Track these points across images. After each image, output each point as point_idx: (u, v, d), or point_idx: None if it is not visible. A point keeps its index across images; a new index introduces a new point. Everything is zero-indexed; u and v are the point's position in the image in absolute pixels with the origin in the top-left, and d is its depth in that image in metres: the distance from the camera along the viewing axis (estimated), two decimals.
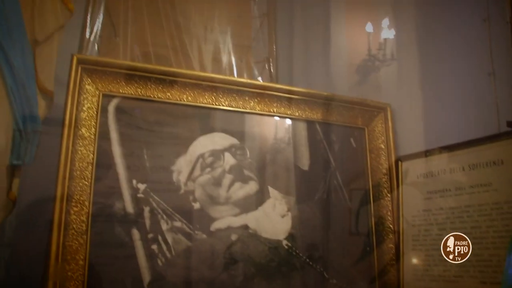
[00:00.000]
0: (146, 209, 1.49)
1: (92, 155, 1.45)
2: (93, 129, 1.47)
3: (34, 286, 1.45)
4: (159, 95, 1.59)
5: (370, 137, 1.88)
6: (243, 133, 1.71)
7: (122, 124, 1.53)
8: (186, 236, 1.52)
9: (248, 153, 1.69)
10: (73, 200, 1.40)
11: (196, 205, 1.57)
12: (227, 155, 1.64)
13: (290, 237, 1.66)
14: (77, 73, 1.47)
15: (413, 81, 1.85)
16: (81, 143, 1.44)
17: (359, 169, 1.85)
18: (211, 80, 1.67)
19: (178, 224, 1.52)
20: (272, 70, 2.22)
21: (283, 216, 1.68)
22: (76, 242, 1.38)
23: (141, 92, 1.57)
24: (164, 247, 1.48)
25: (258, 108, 1.73)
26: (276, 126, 1.77)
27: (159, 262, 1.47)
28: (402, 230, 1.74)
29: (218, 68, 2.08)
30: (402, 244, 1.72)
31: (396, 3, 2.00)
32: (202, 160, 1.61)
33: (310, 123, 1.81)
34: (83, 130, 1.45)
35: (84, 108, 1.47)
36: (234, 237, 1.59)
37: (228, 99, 1.69)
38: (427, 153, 1.71)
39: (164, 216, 1.50)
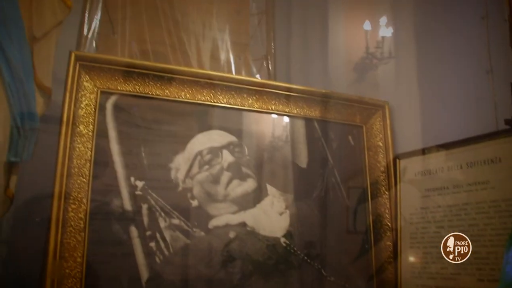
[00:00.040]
0: (144, 207, 1.49)
1: (90, 152, 1.45)
2: (91, 126, 1.47)
3: (32, 284, 1.45)
4: (157, 92, 1.59)
5: (368, 135, 1.88)
6: (241, 130, 1.71)
7: (120, 122, 1.53)
8: (184, 233, 1.52)
9: (246, 150, 1.69)
10: (71, 198, 1.39)
11: (194, 203, 1.57)
12: (225, 152, 1.64)
13: (288, 234, 1.66)
14: (75, 70, 1.46)
15: (411, 79, 1.85)
16: (79, 140, 1.44)
17: (357, 167, 1.85)
18: (210, 77, 1.67)
19: (176, 221, 1.52)
20: (270, 68, 2.22)
21: (281, 214, 1.68)
22: (74, 240, 1.38)
23: (139, 89, 1.57)
24: (162, 245, 1.48)
25: (256, 105, 1.73)
26: (274, 124, 1.77)
27: (157, 259, 1.47)
28: (400, 228, 1.74)
29: (216, 65, 2.08)
30: (400, 242, 1.72)
31: (394, 1, 2.00)
32: (200, 157, 1.61)
33: (308, 120, 1.81)
34: (81, 127, 1.45)
35: (82, 105, 1.46)
36: (232, 234, 1.59)
37: (226, 96, 1.69)
38: (425, 151, 1.72)
39: (162, 214, 1.50)
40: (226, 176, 1.62)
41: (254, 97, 1.73)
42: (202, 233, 1.55)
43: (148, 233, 1.47)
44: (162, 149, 1.58)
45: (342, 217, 1.79)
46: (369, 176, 1.84)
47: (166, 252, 1.48)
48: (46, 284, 1.31)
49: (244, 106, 1.71)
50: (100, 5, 1.93)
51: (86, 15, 1.90)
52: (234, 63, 2.12)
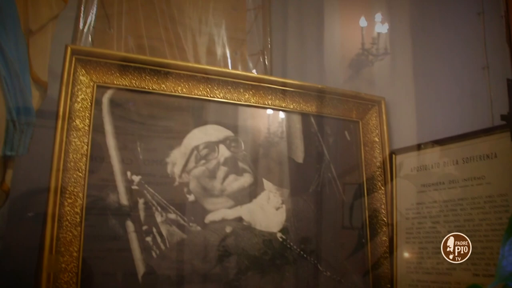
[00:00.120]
0: (141, 201, 1.49)
1: (86, 146, 1.45)
2: (87, 120, 1.46)
3: (28, 278, 1.44)
4: (153, 86, 1.58)
5: (364, 130, 1.89)
6: (237, 125, 1.70)
7: (116, 117, 1.52)
8: (180, 228, 1.52)
9: (242, 145, 1.69)
10: (67, 192, 1.39)
11: (191, 197, 1.56)
12: (222, 147, 1.64)
13: (284, 229, 1.67)
14: (71, 63, 1.45)
15: (407, 75, 1.86)
16: (75, 135, 1.43)
17: (354, 162, 1.86)
18: (206, 72, 1.66)
19: (172, 216, 1.51)
20: (266, 63, 2.21)
21: (277, 209, 1.68)
22: (70, 234, 1.37)
23: (135, 84, 1.56)
24: (159, 239, 1.48)
25: (253, 100, 1.73)
26: (270, 119, 1.77)
27: (153, 254, 1.47)
28: (396, 223, 1.74)
29: (213, 61, 2.08)
30: (396, 237, 1.73)
31: None
32: (196, 152, 1.60)
33: (304, 115, 1.81)
34: (77, 121, 1.44)
35: (78, 99, 1.46)
36: (228, 229, 1.59)
37: (223, 91, 1.68)
38: (421, 147, 1.72)
39: (159, 208, 1.50)
40: (222, 170, 1.62)
41: (251, 92, 1.73)
42: (199, 228, 1.55)
43: (145, 227, 1.47)
44: (159, 144, 1.57)
45: (338, 212, 1.79)
46: (365, 171, 1.85)
47: (162, 247, 1.48)
48: (42, 279, 1.30)
49: (241, 101, 1.71)
50: None
51: (82, 9, 1.90)
52: (231, 58, 2.12)
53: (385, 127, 1.88)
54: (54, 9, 1.45)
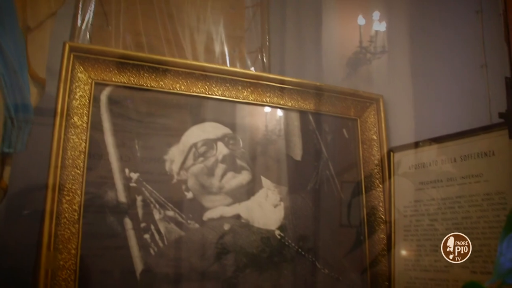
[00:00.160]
0: (139, 199, 1.49)
1: (84, 143, 1.44)
2: (85, 117, 1.46)
3: (25, 276, 1.44)
4: (152, 84, 1.58)
5: (362, 128, 1.89)
6: (236, 123, 1.70)
7: (114, 114, 1.52)
8: (178, 225, 1.52)
9: (241, 142, 1.69)
10: (65, 189, 1.39)
11: (189, 195, 1.56)
12: (220, 144, 1.64)
13: (283, 227, 1.67)
14: (69, 61, 1.45)
15: (406, 73, 1.86)
16: (73, 132, 1.43)
17: (352, 160, 1.86)
18: (204, 69, 1.66)
19: (170, 213, 1.51)
20: (265, 61, 2.21)
21: (275, 206, 1.68)
22: (68, 231, 1.37)
23: (134, 81, 1.56)
24: (157, 237, 1.48)
25: (251, 97, 1.73)
26: (268, 116, 1.77)
27: (151, 251, 1.47)
28: (394, 221, 1.75)
29: (211, 58, 2.08)
30: (394, 235, 1.73)
31: None
32: (195, 149, 1.60)
33: (303, 113, 1.81)
34: (75, 118, 1.44)
35: (76, 96, 1.46)
36: (226, 226, 1.59)
37: (221, 89, 1.68)
38: (419, 144, 1.72)
39: (157, 206, 1.50)
40: (220, 168, 1.62)
41: (249, 89, 1.73)
42: (197, 225, 1.55)
43: (143, 225, 1.47)
44: (157, 141, 1.57)
45: (336, 210, 1.79)
46: (363, 169, 1.85)
47: (160, 244, 1.48)
48: (40, 276, 1.30)
49: (239, 99, 1.71)
50: None
51: (80, 6, 1.89)
52: (229, 56, 2.12)
53: (383, 125, 1.88)
54: (52, 6, 1.44)
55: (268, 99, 1.76)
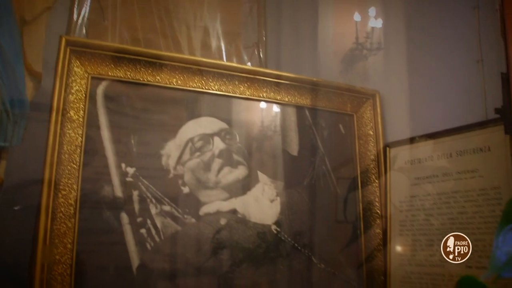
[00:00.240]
0: (135, 193, 1.48)
1: (80, 138, 1.44)
2: (81, 112, 1.45)
3: (21, 271, 1.43)
4: (148, 78, 1.57)
5: (359, 124, 1.89)
6: (232, 117, 1.70)
7: (110, 109, 1.51)
8: (175, 220, 1.52)
9: (237, 137, 1.69)
10: (61, 184, 1.38)
11: (185, 189, 1.56)
12: (217, 139, 1.64)
13: (279, 222, 1.67)
14: (66, 55, 1.44)
15: (402, 68, 1.86)
16: (69, 126, 1.42)
17: (348, 155, 1.86)
18: (201, 64, 1.66)
19: (167, 208, 1.51)
20: (261, 56, 2.21)
21: (272, 201, 1.68)
22: (64, 226, 1.37)
23: (130, 75, 1.55)
24: (153, 231, 1.48)
25: (248, 92, 1.73)
26: (265, 111, 1.77)
27: (148, 246, 1.46)
28: (390, 216, 1.75)
29: (207, 53, 2.07)
30: (390, 229, 1.74)
31: None
32: (191, 144, 1.60)
33: (299, 108, 1.81)
34: (72, 112, 1.43)
35: (72, 91, 1.45)
36: (223, 221, 1.59)
37: (218, 83, 1.68)
38: (415, 140, 1.73)
39: (153, 200, 1.50)
40: (217, 163, 1.62)
41: (246, 84, 1.72)
42: (193, 220, 1.55)
43: (139, 219, 1.47)
44: (153, 135, 1.57)
45: (332, 205, 1.80)
46: (359, 164, 1.85)
47: (157, 239, 1.48)
48: (36, 270, 1.30)
49: (236, 93, 1.71)
50: None
51: (76, 0, 1.88)
52: (225, 51, 2.11)
53: (379, 120, 1.89)
54: (49, 0, 1.44)
55: (264, 94, 1.75)
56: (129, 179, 1.49)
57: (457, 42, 1.67)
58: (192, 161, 1.59)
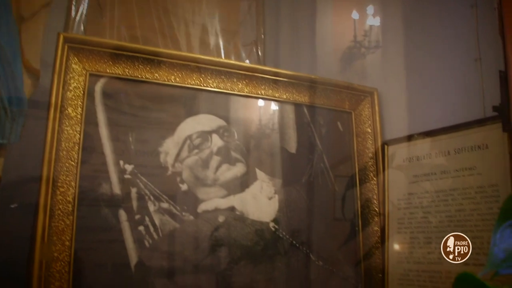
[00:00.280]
0: (133, 190, 1.48)
1: (78, 135, 1.44)
2: (79, 109, 1.45)
3: (19, 268, 1.43)
4: (146, 75, 1.57)
5: (357, 121, 1.89)
6: (230, 115, 1.70)
7: (109, 107, 1.51)
8: (173, 217, 1.52)
9: (235, 135, 1.69)
10: (59, 181, 1.38)
11: (184, 187, 1.56)
12: (215, 136, 1.64)
13: (277, 219, 1.67)
14: (64, 52, 1.44)
15: (400, 66, 1.86)
16: (67, 123, 1.42)
17: (346, 153, 1.86)
18: (199, 61, 1.66)
19: (165, 205, 1.51)
20: (260, 54, 2.21)
21: (270, 198, 1.69)
22: (62, 223, 1.37)
23: (128, 72, 1.55)
24: (151, 229, 1.48)
25: (246, 90, 1.73)
26: (263, 109, 1.77)
27: (146, 243, 1.46)
28: (388, 213, 1.76)
29: (206, 51, 2.07)
30: (388, 227, 1.74)
31: None
32: (189, 141, 1.60)
33: (297, 106, 1.81)
34: (70, 109, 1.43)
35: (70, 88, 1.44)
36: (221, 218, 1.59)
37: (216, 81, 1.68)
38: (413, 138, 1.73)
39: (152, 197, 1.50)
40: (215, 160, 1.62)
41: (244, 82, 1.72)
42: (191, 217, 1.55)
43: (137, 217, 1.47)
44: (151, 133, 1.57)
45: (330, 202, 1.80)
46: (357, 162, 1.85)
47: (155, 236, 1.48)
48: (34, 268, 1.30)
49: (234, 91, 1.71)
50: None
51: None
52: (224, 49, 2.11)
53: (377, 118, 1.89)
54: None
55: (263, 92, 1.75)
56: (127, 176, 1.49)
57: (455, 41, 1.68)
58: (190, 159, 1.59)
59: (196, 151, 1.60)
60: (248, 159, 1.69)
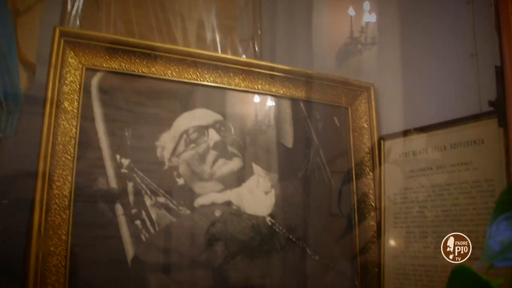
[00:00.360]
0: (130, 185, 1.48)
1: (74, 129, 1.43)
2: (76, 103, 1.45)
3: (15, 263, 1.43)
4: (143, 70, 1.57)
5: (353, 116, 1.89)
6: (227, 109, 1.70)
7: (105, 102, 1.51)
8: (170, 212, 1.52)
9: (232, 129, 1.68)
10: (55, 175, 1.38)
11: (180, 181, 1.56)
12: (212, 131, 1.64)
13: (273, 213, 1.67)
14: (60, 46, 1.43)
15: (396, 62, 1.86)
16: (63, 117, 1.41)
17: (342, 148, 1.87)
18: (196, 55, 1.65)
19: (162, 199, 1.51)
20: (256, 49, 2.21)
21: (266, 193, 1.69)
22: (59, 217, 1.36)
23: (125, 67, 1.54)
24: (148, 223, 1.48)
25: (243, 85, 1.72)
26: (260, 104, 1.77)
27: (142, 237, 1.46)
28: (384, 208, 1.76)
29: (203, 46, 2.07)
30: (384, 222, 1.75)
31: None
32: (186, 136, 1.60)
33: (294, 101, 1.81)
34: (66, 104, 1.43)
35: (66, 82, 1.44)
36: (217, 213, 1.59)
37: (213, 75, 1.68)
38: (409, 133, 1.73)
39: (148, 192, 1.50)
40: (212, 154, 1.62)
41: (241, 77, 1.72)
42: (188, 212, 1.55)
43: (134, 211, 1.47)
44: (148, 127, 1.56)
45: (327, 197, 1.80)
46: (354, 157, 1.86)
47: (152, 231, 1.48)
48: (30, 261, 1.29)
49: (231, 86, 1.70)
50: None
51: None
52: (220, 44, 2.11)
53: (374, 113, 1.89)
54: None
55: (259, 86, 1.75)
56: (124, 170, 1.49)
57: (451, 36, 1.68)
58: (187, 153, 1.59)
59: (192, 145, 1.60)
60: (245, 153, 1.69)
